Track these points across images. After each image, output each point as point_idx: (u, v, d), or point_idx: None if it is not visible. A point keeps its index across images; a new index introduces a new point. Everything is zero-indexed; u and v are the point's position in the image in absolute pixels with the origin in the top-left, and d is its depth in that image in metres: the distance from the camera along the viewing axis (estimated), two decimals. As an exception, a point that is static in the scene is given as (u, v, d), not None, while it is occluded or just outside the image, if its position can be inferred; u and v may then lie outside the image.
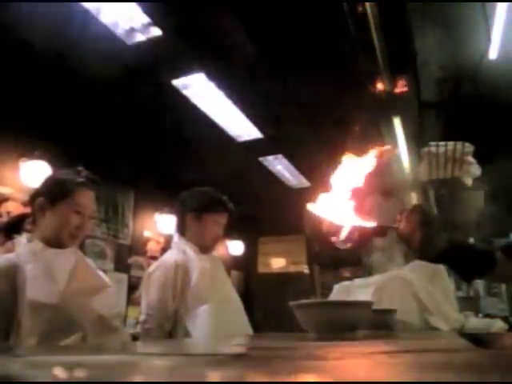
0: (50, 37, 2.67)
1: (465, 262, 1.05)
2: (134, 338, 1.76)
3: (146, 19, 2.68)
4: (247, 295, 5.62)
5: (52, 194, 1.36)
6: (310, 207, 1.05)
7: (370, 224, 1.07)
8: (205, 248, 1.77)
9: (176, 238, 1.80)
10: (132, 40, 2.84)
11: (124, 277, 4.34)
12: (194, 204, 1.78)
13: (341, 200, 1.04)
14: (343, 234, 1.03)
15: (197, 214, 1.77)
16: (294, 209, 3.27)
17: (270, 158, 4.75)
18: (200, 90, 3.41)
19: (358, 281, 1.78)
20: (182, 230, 1.79)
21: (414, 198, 3.07)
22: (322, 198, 1.04)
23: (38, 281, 1.21)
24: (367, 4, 1.89)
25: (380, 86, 2.51)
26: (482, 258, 1.05)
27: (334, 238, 1.05)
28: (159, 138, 3.94)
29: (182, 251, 1.72)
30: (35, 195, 1.38)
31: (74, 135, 3.53)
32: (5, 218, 3.04)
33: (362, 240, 1.53)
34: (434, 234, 1.02)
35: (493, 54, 2.67)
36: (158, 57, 2.96)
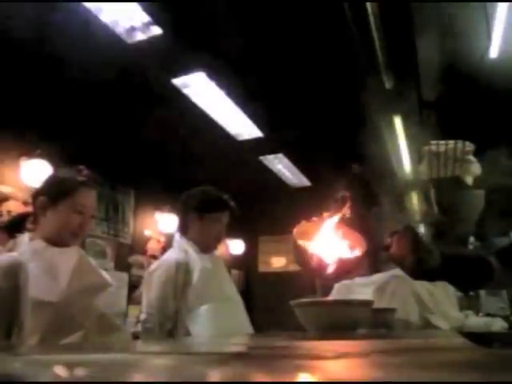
0: (51, 37, 2.67)
1: (461, 276, 1.04)
2: (135, 336, 1.76)
3: (146, 18, 2.68)
4: (247, 294, 5.62)
5: (53, 193, 1.36)
6: (299, 241, 1.05)
7: (357, 252, 1.07)
8: (207, 247, 1.77)
9: (177, 237, 1.80)
10: (132, 39, 2.84)
11: (124, 276, 4.35)
12: (195, 203, 1.78)
13: (327, 233, 1.05)
14: (330, 269, 1.03)
15: (199, 213, 1.77)
16: (294, 208, 3.27)
17: (271, 156, 4.75)
18: (200, 88, 3.41)
19: (358, 280, 1.78)
20: (183, 229, 1.79)
21: (414, 198, 3.07)
22: (311, 232, 1.05)
23: (40, 279, 1.21)
24: (368, 3, 1.88)
25: (380, 84, 2.50)
26: (478, 269, 1.04)
27: (322, 273, 1.04)
28: (159, 136, 3.94)
29: (183, 250, 1.72)
30: (36, 194, 1.38)
31: (75, 134, 3.54)
32: (5, 217, 3.04)
33: (351, 269, 1.53)
34: (426, 256, 1.02)
35: (493, 52, 2.67)
36: (158, 55, 2.96)
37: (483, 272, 1.02)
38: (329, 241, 1.04)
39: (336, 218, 1.06)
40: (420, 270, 1.03)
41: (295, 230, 1.06)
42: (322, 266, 1.02)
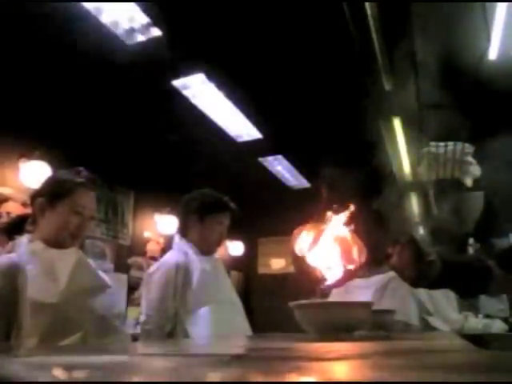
0: (50, 37, 2.67)
1: (461, 283, 1.04)
2: (134, 338, 1.76)
3: (145, 19, 2.68)
4: (247, 296, 5.62)
5: (52, 195, 1.36)
6: (298, 252, 1.04)
7: (358, 261, 1.06)
8: (208, 249, 1.77)
9: (177, 239, 1.80)
10: (132, 40, 2.84)
11: (124, 277, 4.34)
12: (196, 206, 1.79)
13: (327, 242, 1.03)
14: (329, 282, 1.01)
15: (199, 215, 1.77)
16: (293, 209, 3.27)
17: (270, 158, 4.75)
18: (200, 90, 3.41)
19: (357, 281, 1.78)
20: (184, 232, 1.80)
21: (413, 199, 3.07)
22: (308, 243, 1.03)
23: (38, 281, 1.21)
24: (367, 4, 1.89)
25: (380, 85, 2.51)
26: (478, 275, 1.03)
27: (320, 284, 1.03)
28: (159, 138, 3.94)
29: (183, 252, 1.72)
30: (35, 195, 1.38)
31: (74, 135, 3.54)
32: (5, 219, 3.04)
33: (351, 278, 1.53)
34: (427, 268, 1.01)
35: (493, 54, 2.67)
36: (157, 57, 2.96)
37: (483, 278, 1.01)
38: (328, 252, 1.03)
39: (335, 223, 1.05)
40: (420, 282, 1.03)
41: (293, 242, 1.04)
42: (321, 280, 1.02)
